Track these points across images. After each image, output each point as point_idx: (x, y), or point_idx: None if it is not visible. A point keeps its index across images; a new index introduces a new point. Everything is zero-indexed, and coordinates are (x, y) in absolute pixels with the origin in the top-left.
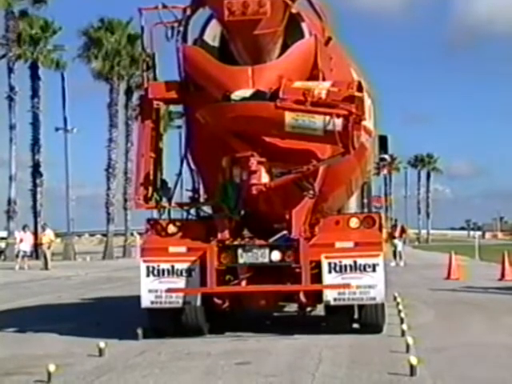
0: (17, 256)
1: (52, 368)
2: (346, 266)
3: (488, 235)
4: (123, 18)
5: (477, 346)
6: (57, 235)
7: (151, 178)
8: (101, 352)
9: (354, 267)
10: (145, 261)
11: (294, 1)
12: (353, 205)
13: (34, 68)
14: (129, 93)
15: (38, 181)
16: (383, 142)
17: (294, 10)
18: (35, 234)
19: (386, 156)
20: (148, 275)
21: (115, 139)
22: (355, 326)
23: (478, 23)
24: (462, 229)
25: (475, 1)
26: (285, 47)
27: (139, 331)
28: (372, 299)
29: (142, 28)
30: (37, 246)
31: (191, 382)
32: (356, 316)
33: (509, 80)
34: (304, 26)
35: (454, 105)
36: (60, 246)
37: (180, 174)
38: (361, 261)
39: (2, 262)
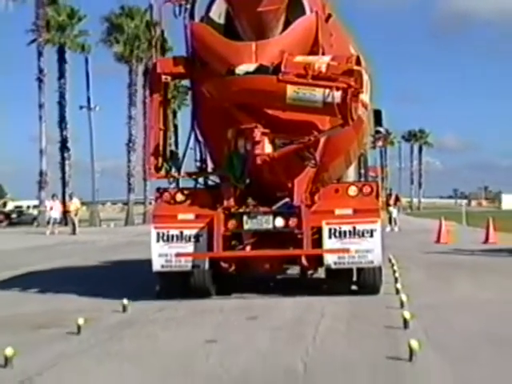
0: (48, 222)
1: (81, 321)
2: (345, 231)
3: (473, 203)
4: (142, 5)
5: (463, 301)
6: (83, 203)
7: (161, 149)
8: (124, 308)
9: (353, 233)
10: (155, 227)
11: None
12: (351, 174)
13: (61, 52)
14: (147, 74)
15: (65, 154)
16: (378, 115)
17: None
18: (64, 202)
19: (381, 129)
20: (158, 240)
21: (134, 116)
22: (354, 287)
23: (465, 8)
24: (450, 197)
25: None
26: (287, 23)
27: (158, 289)
28: (370, 263)
29: (151, 6)
30: (65, 213)
31: (206, 335)
32: (355, 278)
33: (492, 60)
34: (305, 3)
35: (442, 84)
36: (86, 214)
37: (188, 145)
38: (359, 227)
39: (34, 227)
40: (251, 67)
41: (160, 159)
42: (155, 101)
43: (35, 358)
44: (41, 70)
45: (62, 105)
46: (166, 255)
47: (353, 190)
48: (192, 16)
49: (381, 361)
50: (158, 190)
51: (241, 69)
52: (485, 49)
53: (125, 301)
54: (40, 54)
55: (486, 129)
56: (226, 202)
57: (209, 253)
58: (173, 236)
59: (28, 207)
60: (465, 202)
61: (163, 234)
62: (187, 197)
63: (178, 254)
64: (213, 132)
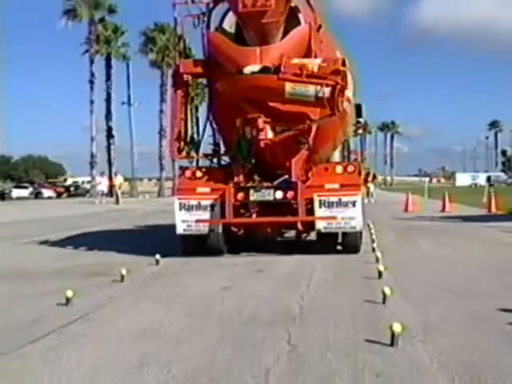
0: (97, 194)
1: (123, 272)
2: (332, 202)
3: (434, 180)
4: (171, 21)
5: (424, 257)
6: (125, 179)
7: (182, 134)
8: (157, 262)
9: (339, 203)
10: (178, 198)
11: None
12: (337, 156)
13: (107, 60)
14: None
15: (111, 140)
16: (359, 109)
17: (292, 4)
18: (110, 178)
19: (361, 120)
20: (180, 209)
21: (164, 110)
22: (339, 247)
23: (428, 24)
24: (416, 175)
25: (425, 8)
26: (285, 32)
27: (182, 248)
28: (353, 228)
29: (175, 19)
30: (111, 187)
31: (222, 283)
32: (340, 240)
33: (448, 66)
34: (300, 16)
35: (409, 85)
36: (127, 187)
37: (204, 132)
38: (344, 198)
39: (87, 198)
40: (256, 68)
41: (182, 143)
42: (178, 96)
43: (89, 299)
44: (92, 74)
45: (108, 101)
46: (187, 221)
47: (339, 169)
48: (208, 27)
49: (360, 303)
50: (180, 168)
51: (248, 69)
52: (444, 56)
53: (157, 256)
54: (91, 62)
55: (443, 121)
56: (235, 178)
57: (222, 219)
58: (192, 206)
59: (82, 182)
60: (427, 179)
61: (185, 204)
62: (204, 174)
63: (197, 221)
64: (225, 121)
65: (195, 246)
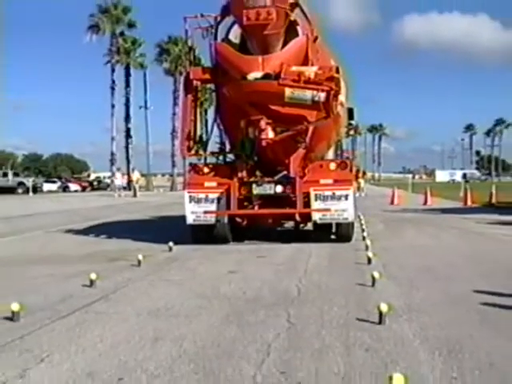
0: (116, 188)
1: (140, 257)
2: (327, 195)
3: (416, 177)
4: (183, 34)
5: (409, 245)
6: (142, 175)
7: (192, 134)
8: (170, 249)
9: (333, 197)
10: (188, 192)
11: (292, 11)
12: (331, 154)
13: (127, 68)
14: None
15: (129, 140)
16: (351, 112)
17: (292, 18)
18: (128, 174)
19: (353, 122)
20: (190, 202)
21: (176, 113)
22: (333, 237)
23: (411, 37)
24: (400, 172)
25: (409, 24)
26: (285, 43)
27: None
28: (345, 219)
29: (186, 31)
30: (129, 181)
31: (229, 266)
32: (334, 230)
33: (429, 75)
34: (299, 28)
35: (396, 91)
36: (143, 182)
37: (212, 132)
38: (338, 192)
39: (108, 191)
40: (259, 74)
41: (191, 142)
42: (188, 99)
43: (110, 281)
44: (113, 81)
45: (127, 105)
46: (196, 213)
47: (333, 166)
48: (215, 38)
49: (352, 286)
50: (190, 164)
51: (251, 76)
52: (425, 66)
53: (170, 243)
54: (113, 71)
55: (425, 124)
56: (239, 174)
57: (227, 211)
58: (201, 198)
59: (104, 177)
60: (410, 175)
61: (194, 197)
62: (211, 170)
63: (205, 212)
64: (230, 122)
65: (203, 234)
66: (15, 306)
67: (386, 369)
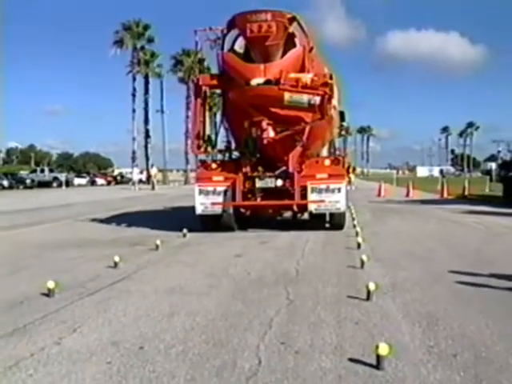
0: (135, 182)
1: (158, 242)
2: (322, 188)
3: (400, 172)
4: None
5: (393, 231)
6: (159, 170)
7: (201, 134)
8: (184, 235)
9: (327, 189)
10: (198, 185)
11: (290, 25)
12: (325, 152)
13: (146, 77)
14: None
15: (148, 140)
16: (342, 115)
17: (290, 30)
18: (147, 169)
19: (344, 124)
20: (200, 194)
21: (189, 116)
22: (327, 225)
23: (393, 50)
24: (386, 168)
25: (391, 39)
26: (284, 52)
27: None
28: (338, 209)
29: (196, 42)
30: (148, 177)
31: (235, 252)
32: (328, 219)
33: (408, 82)
34: (296, 40)
35: (382, 97)
36: (161, 177)
37: (219, 132)
38: (331, 185)
39: (129, 185)
40: (261, 80)
41: (201, 141)
42: (198, 103)
43: (132, 263)
44: (134, 89)
45: (146, 110)
46: (205, 204)
47: (327, 162)
48: (222, 48)
49: (343, 268)
50: (200, 161)
51: (254, 81)
52: (405, 75)
53: (184, 230)
54: (134, 79)
55: (406, 126)
56: (244, 169)
57: (233, 202)
58: (209, 191)
59: (126, 173)
60: (395, 171)
61: (203, 190)
62: (218, 166)
63: (212, 203)
64: (235, 123)
65: (211, 223)
66: (51, 284)
67: (373, 339)
